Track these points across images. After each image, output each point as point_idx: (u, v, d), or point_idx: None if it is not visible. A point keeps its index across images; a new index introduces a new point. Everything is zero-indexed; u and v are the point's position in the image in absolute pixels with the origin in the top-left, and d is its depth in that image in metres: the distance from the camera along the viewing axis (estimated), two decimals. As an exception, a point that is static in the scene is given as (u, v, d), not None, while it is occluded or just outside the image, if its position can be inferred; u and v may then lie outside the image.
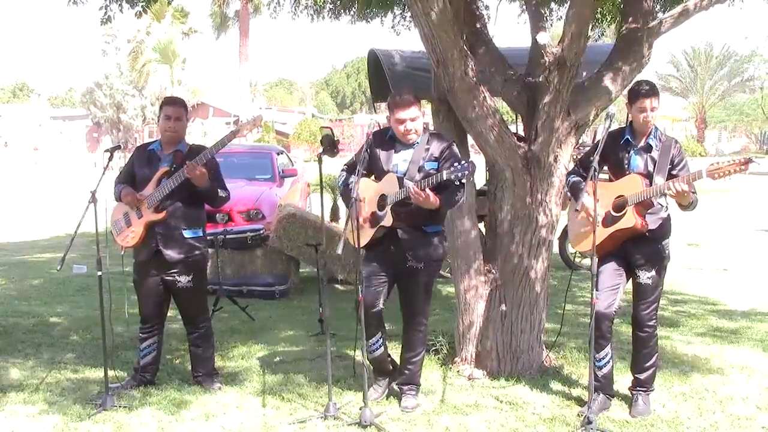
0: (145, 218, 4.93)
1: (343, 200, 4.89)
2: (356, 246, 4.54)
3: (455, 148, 4.71)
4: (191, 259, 5.00)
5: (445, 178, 4.31)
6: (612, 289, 4.59)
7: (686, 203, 4.36)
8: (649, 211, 4.50)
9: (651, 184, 4.42)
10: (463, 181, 4.31)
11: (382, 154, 4.74)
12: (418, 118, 4.64)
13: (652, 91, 4.46)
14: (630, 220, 4.45)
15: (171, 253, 4.94)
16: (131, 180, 5.10)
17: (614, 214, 4.52)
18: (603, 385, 4.65)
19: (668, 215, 4.59)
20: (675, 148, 4.51)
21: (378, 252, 4.74)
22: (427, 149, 4.66)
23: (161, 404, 4.77)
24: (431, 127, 5.75)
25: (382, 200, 4.62)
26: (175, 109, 5.01)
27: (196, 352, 5.18)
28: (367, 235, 4.68)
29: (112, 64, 49.28)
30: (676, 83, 50.25)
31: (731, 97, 49.22)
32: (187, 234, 4.98)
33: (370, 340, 4.78)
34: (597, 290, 4.51)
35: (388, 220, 4.58)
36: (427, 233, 4.69)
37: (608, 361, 4.65)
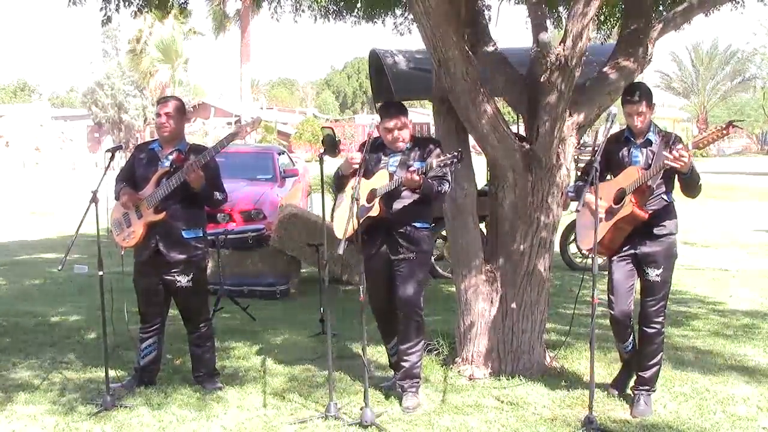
0: (145, 218, 4.93)
1: (335, 188, 5.18)
2: (354, 227, 4.62)
3: (439, 150, 4.88)
4: (191, 259, 5.00)
5: (435, 165, 4.55)
6: (628, 291, 4.67)
7: (686, 170, 4.32)
8: (652, 205, 4.53)
9: None
10: (450, 168, 4.68)
11: (372, 159, 4.93)
12: (405, 127, 4.88)
13: (639, 98, 4.50)
14: (628, 207, 4.49)
15: (171, 254, 4.94)
16: (131, 179, 5.10)
17: (614, 206, 4.54)
18: (634, 365, 4.80)
19: (672, 211, 4.61)
20: (673, 141, 4.53)
21: (373, 252, 4.90)
22: (416, 150, 4.89)
23: (162, 404, 4.77)
24: (432, 128, 5.78)
25: (371, 194, 4.78)
26: (164, 106, 4.99)
27: (196, 352, 5.19)
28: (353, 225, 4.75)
29: (113, 64, 49.39)
30: (678, 83, 50.27)
31: (732, 97, 49.23)
32: (186, 234, 4.98)
33: (389, 344, 5.12)
34: (615, 301, 4.66)
35: (375, 210, 4.76)
36: (417, 228, 4.86)
37: (632, 348, 4.82)
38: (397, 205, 4.80)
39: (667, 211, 4.58)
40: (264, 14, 32.47)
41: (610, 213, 4.58)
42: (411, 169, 4.61)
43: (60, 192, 23.40)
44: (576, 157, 5.59)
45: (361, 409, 4.51)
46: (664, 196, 4.56)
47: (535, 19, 5.43)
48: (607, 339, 5.24)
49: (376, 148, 4.96)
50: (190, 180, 4.79)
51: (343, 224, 4.72)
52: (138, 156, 5.14)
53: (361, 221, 4.69)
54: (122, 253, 5.00)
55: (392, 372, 5.21)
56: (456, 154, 4.57)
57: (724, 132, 4.15)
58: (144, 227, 4.93)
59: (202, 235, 5.09)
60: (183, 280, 4.98)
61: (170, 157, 4.99)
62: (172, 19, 33.50)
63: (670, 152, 4.27)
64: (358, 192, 4.56)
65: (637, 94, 4.51)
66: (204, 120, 42.96)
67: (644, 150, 4.58)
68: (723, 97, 49.17)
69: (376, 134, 4.94)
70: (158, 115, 4.99)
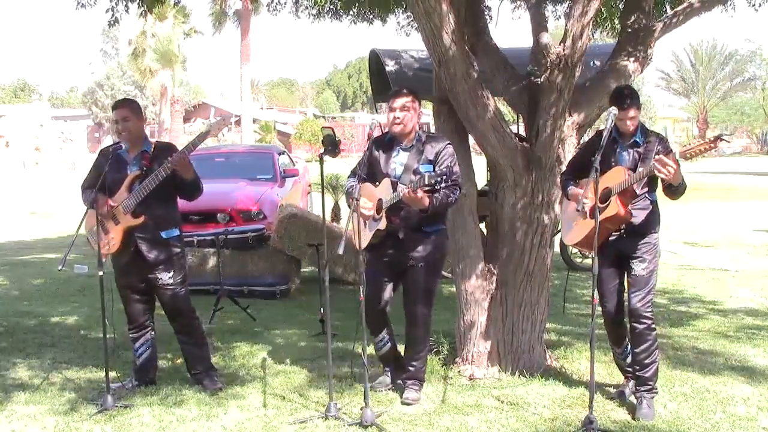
0: (124, 224, 4.91)
1: (350, 206, 4.90)
2: (358, 247, 4.60)
3: (450, 149, 4.79)
4: (171, 258, 5.01)
5: (426, 183, 4.32)
6: (616, 289, 4.74)
7: (676, 183, 4.37)
8: (636, 205, 4.56)
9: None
10: (450, 182, 4.39)
11: (381, 158, 4.87)
12: (410, 110, 4.75)
13: (630, 103, 4.51)
14: (613, 208, 4.53)
15: (152, 255, 4.96)
16: (101, 185, 4.97)
17: (600, 205, 4.55)
18: (633, 372, 4.77)
19: (656, 211, 4.65)
20: (660, 143, 4.58)
21: (380, 253, 4.85)
22: (422, 151, 4.76)
23: (162, 404, 4.77)
24: (432, 128, 5.77)
25: (379, 204, 4.71)
26: (119, 111, 4.98)
27: (190, 350, 5.19)
28: (366, 237, 4.73)
29: (113, 65, 49.43)
30: (678, 83, 50.26)
31: (732, 98, 49.20)
32: (165, 235, 4.99)
33: (377, 337, 4.98)
34: (605, 299, 4.74)
35: (382, 224, 4.68)
36: (428, 233, 4.77)
37: (630, 351, 4.80)
38: (405, 215, 4.69)
39: (651, 210, 4.63)
40: (264, 14, 32.51)
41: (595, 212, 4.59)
42: (410, 187, 4.44)
43: (60, 192, 23.38)
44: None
45: (361, 409, 4.51)
46: (648, 196, 4.61)
47: (535, 20, 5.44)
48: (607, 339, 5.24)
49: (384, 145, 4.90)
50: (181, 171, 4.79)
51: (362, 235, 4.71)
52: (104, 161, 5.02)
53: (371, 235, 4.68)
54: (103, 260, 4.98)
55: (381, 365, 5.20)
56: (446, 155, 4.63)
57: (712, 145, 4.20)
58: (122, 233, 4.93)
59: (179, 234, 5.10)
60: (165, 277, 5.00)
61: (139, 160, 4.98)
62: (171, 19, 33.49)
63: (658, 162, 4.27)
64: (359, 192, 4.56)
65: (626, 101, 4.52)
66: (204, 120, 42.94)
67: (630, 151, 4.62)
68: (723, 97, 49.10)
69: (377, 133, 4.91)
70: (115, 122, 5.00)
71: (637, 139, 4.62)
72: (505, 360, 5.36)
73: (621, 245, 4.64)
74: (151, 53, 33.43)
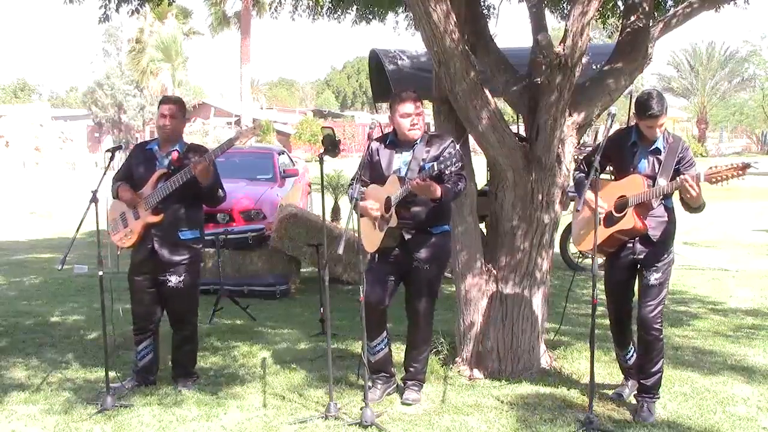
0: (143, 220, 4.93)
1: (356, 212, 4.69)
2: (369, 249, 4.59)
3: (455, 147, 4.75)
4: (186, 260, 5.00)
5: (436, 169, 4.39)
6: (626, 293, 4.71)
7: (696, 205, 4.35)
8: (652, 214, 4.49)
9: (653, 186, 4.42)
10: (455, 167, 4.48)
11: (383, 160, 4.84)
12: (422, 114, 4.77)
13: (661, 110, 4.35)
14: (629, 221, 4.45)
15: (167, 255, 4.95)
16: (129, 178, 5.09)
17: (615, 214, 4.52)
18: (634, 373, 4.76)
19: (672, 220, 4.58)
20: (681, 150, 4.47)
21: (385, 253, 4.83)
22: (428, 150, 4.74)
23: (162, 404, 4.77)
24: (432, 128, 5.77)
25: (387, 202, 4.68)
26: (169, 107, 5.01)
27: (175, 354, 5.21)
28: (377, 238, 4.72)
29: (113, 64, 49.40)
30: (677, 83, 50.25)
31: (732, 97, 49.15)
32: (184, 236, 4.99)
33: (374, 341, 4.86)
34: (614, 303, 4.74)
35: (393, 221, 4.64)
36: (433, 234, 4.75)
37: (633, 354, 4.82)
38: (416, 210, 4.68)
39: (668, 217, 4.55)
40: (264, 15, 32.53)
41: (609, 220, 4.54)
42: (419, 176, 4.45)
43: (60, 192, 23.37)
44: (576, 157, 5.58)
45: (361, 409, 4.51)
46: (664, 202, 4.53)
47: (535, 20, 5.43)
48: (607, 339, 5.24)
49: (385, 147, 4.87)
50: (198, 174, 4.77)
51: (370, 239, 4.71)
52: (136, 155, 5.14)
53: (383, 235, 4.66)
54: (119, 252, 5.00)
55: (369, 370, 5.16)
56: (450, 148, 4.54)
57: (740, 172, 4.12)
58: (141, 228, 4.94)
59: (200, 236, 5.10)
60: (174, 280, 4.99)
61: (168, 158, 4.99)
62: (172, 19, 33.52)
63: (682, 182, 4.23)
64: (358, 192, 4.56)
65: (658, 107, 4.34)
66: (204, 120, 42.94)
67: (651, 158, 4.50)
68: (722, 98, 49.05)
69: (376, 133, 4.90)
70: (162, 115, 5.00)
71: (659, 146, 4.48)
72: (505, 360, 5.35)
73: (636, 253, 4.55)
74: (153, 50, 33.42)
